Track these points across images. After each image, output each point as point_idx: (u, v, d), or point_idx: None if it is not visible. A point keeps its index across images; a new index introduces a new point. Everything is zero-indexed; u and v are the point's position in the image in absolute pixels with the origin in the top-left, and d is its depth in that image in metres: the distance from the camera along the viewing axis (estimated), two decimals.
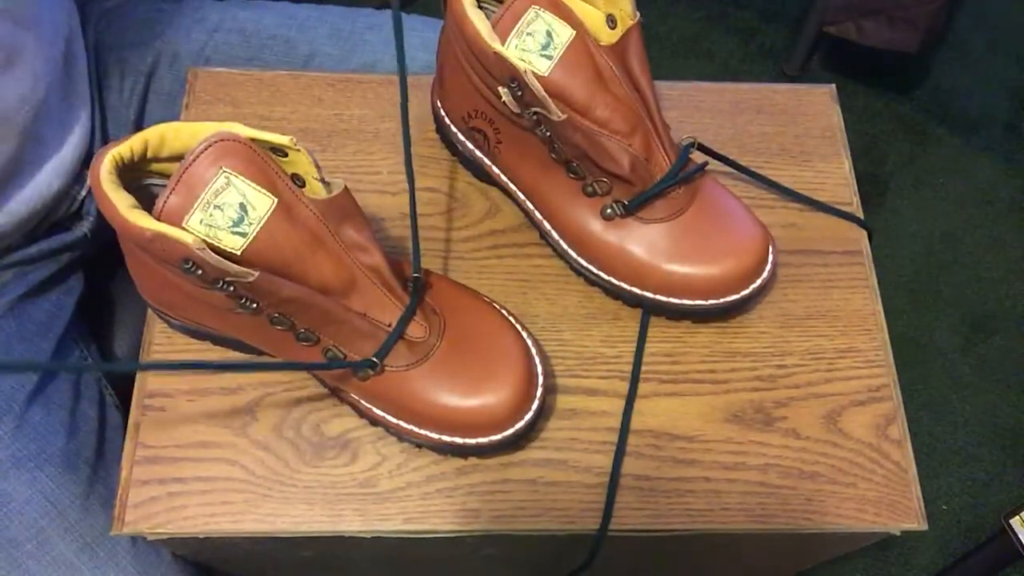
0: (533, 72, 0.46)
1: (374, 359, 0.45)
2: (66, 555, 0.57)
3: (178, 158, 0.44)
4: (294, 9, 0.73)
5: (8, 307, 0.58)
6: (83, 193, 0.62)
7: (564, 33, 0.48)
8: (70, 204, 0.61)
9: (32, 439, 0.57)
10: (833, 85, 0.64)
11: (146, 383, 0.51)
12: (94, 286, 0.65)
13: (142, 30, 0.70)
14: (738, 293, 0.51)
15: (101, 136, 0.64)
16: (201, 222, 0.41)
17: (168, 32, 0.70)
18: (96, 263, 0.66)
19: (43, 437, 0.57)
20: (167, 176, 0.42)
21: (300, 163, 0.44)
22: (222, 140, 0.41)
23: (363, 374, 0.45)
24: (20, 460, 0.56)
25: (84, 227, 0.63)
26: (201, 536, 0.48)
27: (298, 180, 0.44)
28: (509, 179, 0.55)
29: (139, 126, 0.67)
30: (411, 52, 0.71)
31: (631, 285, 0.52)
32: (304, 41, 0.70)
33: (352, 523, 0.48)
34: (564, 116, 0.47)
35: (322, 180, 0.45)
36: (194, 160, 0.41)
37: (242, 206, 0.41)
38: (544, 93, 0.46)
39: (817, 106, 0.63)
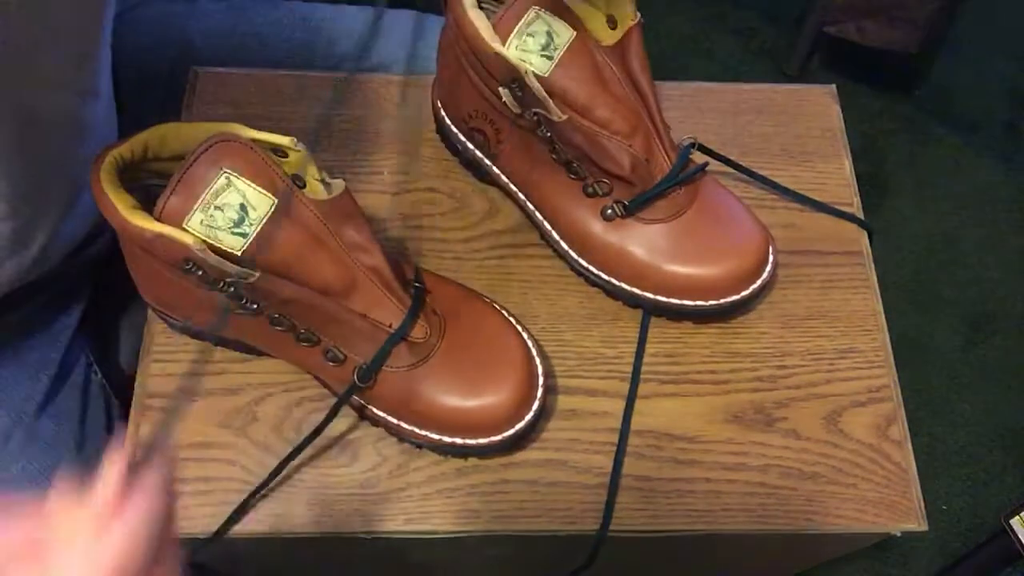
0: (533, 73, 0.46)
1: (363, 382, 0.45)
2: None
3: (178, 158, 0.44)
4: (309, 10, 0.73)
5: (19, 320, 0.58)
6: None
7: (564, 33, 0.48)
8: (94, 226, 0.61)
9: (43, 452, 0.56)
10: (833, 85, 0.64)
11: (146, 384, 0.51)
12: (98, 290, 0.64)
13: (156, 35, 0.69)
14: (738, 294, 0.51)
15: None
16: (201, 223, 0.41)
17: (183, 37, 0.69)
18: (100, 267, 0.66)
19: (53, 449, 0.56)
20: (167, 176, 0.42)
21: (300, 163, 0.44)
22: (223, 140, 0.41)
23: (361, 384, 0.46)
24: (31, 474, 0.56)
25: (100, 244, 0.62)
26: (201, 536, 0.47)
27: (298, 181, 0.44)
28: (509, 179, 0.55)
29: None
30: (428, 53, 0.71)
31: (631, 286, 0.52)
32: (320, 42, 0.70)
33: (352, 523, 0.48)
34: (564, 117, 0.47)
35: (322, 181, 0.45)
36: (195, 160, 0.41)
37: (242, 206, 0.41)
38: (544, 94, 0.46)
39: (817, 106, 0.63)
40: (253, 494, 0.47)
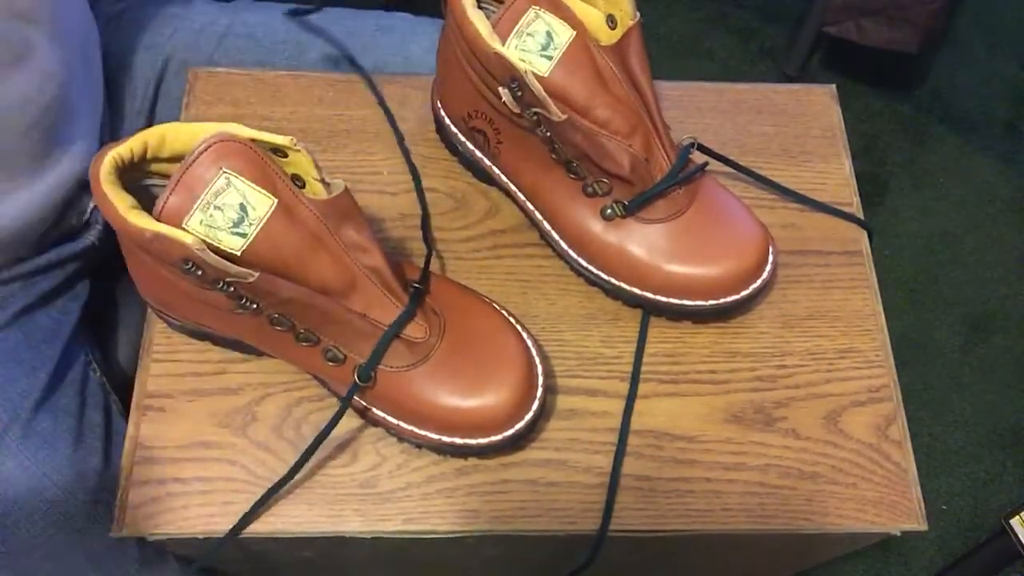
0: (533, 72, 0.46)
1: (363, 381, 0.45)
2: (75, 565, 0.56)
3: (178, 159, 0.44)
4: (305, 10, 0.73)
5: (15, 316, 0.58)
6: (91, 204, 0.61)
7: (564, 33, 0.48)
8: (79, 214, 0.61)
9: (40, 448, 0.56)
10: (833, 85, 0.64)
11: (146, 383, 0.51)
12: (96, 288, 0.65)
13: (150, 35, 0.69)
14: (738, 293, 0.51)
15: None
16: (201, 223, 0.41)
17: (177, 37, 0.69)
18: (99, 266, 0.66)
19: (51, 445, 0.56)
20: (167, 177, 0.42)
21: (300, 163, 0.44)
22: (222, 140, 0.41)
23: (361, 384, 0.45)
24: (28, 469, 0.56)
25: (92, 236, 0.62)
26: (201, 537, 0.48)
27: (298, 181, 0.44)
28: (509, 179, 0.55)
29: None
30: (421, 55, 0.71)
31: (631, 286, 0.52)
32: (314, 44, 0.70)
33: (352, 523, 0.48)
34: (564, 116, 0.47)
35: (322, 180, 0.45)
36: (194, 161, 0.41)
37: (242, 207, 0.41)
38: (544, 94, 0.46)
39: (817, 106, 0.63)
40: (266, 496, 0.47)
